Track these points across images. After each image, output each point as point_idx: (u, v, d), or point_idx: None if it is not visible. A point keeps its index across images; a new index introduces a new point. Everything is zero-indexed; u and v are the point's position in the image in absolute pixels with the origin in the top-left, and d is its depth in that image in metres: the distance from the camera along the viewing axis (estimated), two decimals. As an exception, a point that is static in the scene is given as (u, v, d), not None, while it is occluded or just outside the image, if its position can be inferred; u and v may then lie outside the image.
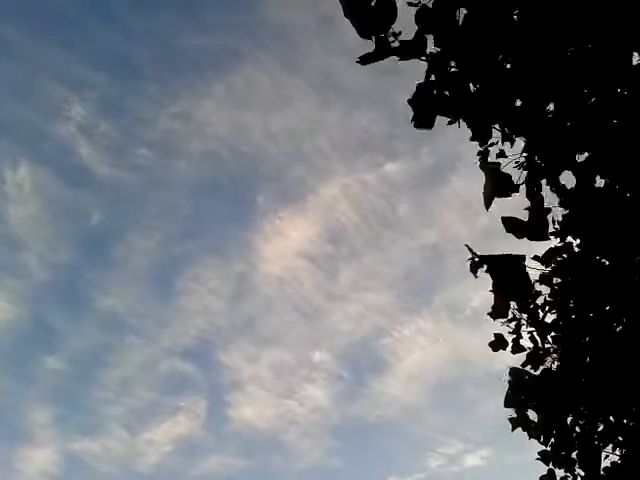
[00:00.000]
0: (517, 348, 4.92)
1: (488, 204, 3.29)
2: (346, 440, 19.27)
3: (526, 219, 3.31)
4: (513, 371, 3.69)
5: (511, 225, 3.24)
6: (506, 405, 3.59)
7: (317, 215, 18.26)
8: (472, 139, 3.37)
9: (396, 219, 17.56)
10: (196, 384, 18.56)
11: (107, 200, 18.07)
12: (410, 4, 3.16)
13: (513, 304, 4.66)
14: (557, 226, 3.52)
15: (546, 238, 3.44)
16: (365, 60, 3.31)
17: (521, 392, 3.78)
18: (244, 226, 19.80)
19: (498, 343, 4.99)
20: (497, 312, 4.15)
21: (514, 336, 5.01)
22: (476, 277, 3.16)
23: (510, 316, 5.38)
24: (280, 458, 18.80)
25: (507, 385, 3.92)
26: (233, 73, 17.52)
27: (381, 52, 3.29)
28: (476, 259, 3.12)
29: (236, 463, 18.23)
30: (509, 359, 4.77)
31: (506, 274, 3.05)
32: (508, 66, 3.15)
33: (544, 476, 4.90)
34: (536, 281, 4.23)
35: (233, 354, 19.09)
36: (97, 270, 18.52)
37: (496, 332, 5.00)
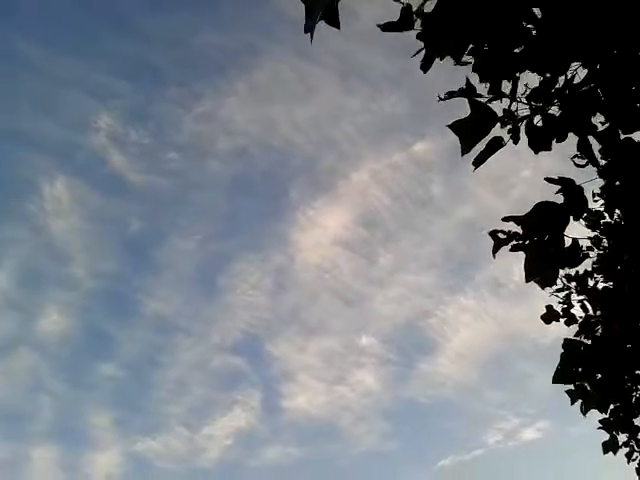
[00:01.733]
0: (569, 318, 4.80)
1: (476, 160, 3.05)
2: (401, 422, 19.31)
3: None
4: (567, 343, 3.53)
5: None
6: (555, 381, 3.41)
7: (350, 202, 18.21)
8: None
9: (429, 198, 17.38)
10: (248, 377, 18.88)
11: (144, 206, 18.43)
12: None
13: (561, 272, 4.47)
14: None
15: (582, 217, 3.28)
16: (386, 28, 3.23)
17: (575, 364, 3.62)
18: (279, 219, 19.89)
19: (550, 315, 4.84)
20: (545, 281, 3.93)
21: (565, 306, 4.89)
22: (494, 257, 2.98)
23: (559, 285, 5.23)
24: (336, 444, 18.98)
25: (559, 358, 3.78)
26: (254, 68, 17.55)
27: (405, 23, 3.21)
28: (500, 235, 2.94)
29: (293, 452, 18.49)
30: (559, 330, 4.67)
31: (547, 240, 2.88)
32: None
33: (606, 442, 4.84)
34: (584, 252, 4.05)
35: (281, 345, 19.30)
36: (142, 275, 18.93)
37: (547, 304, 4.87)
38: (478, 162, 3.20)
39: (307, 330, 19.55)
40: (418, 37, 3.27)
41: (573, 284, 5.16)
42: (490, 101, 3.35)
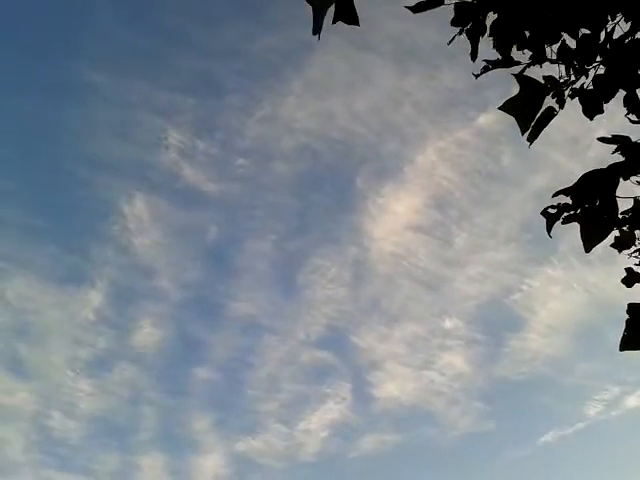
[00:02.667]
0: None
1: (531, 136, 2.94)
2: (496, 402, 18.85)
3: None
4: (632, 308, 3.34)
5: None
6: (622, 348, 3.23)
7: (418, 185, 17.91)
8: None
9: (501, 171, 16.79)
10: (337, 370, 19.04)
11: (219, 213, 18.98)
12: None
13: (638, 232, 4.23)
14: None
15: None
16: (417, 9, 3.17)
17: None
18: (350, 211, 19.87)
19: (631, 277, 4.60)
20: (621, 243, 3.76)
21: (645, 267, 4.64)
22: (550, 236, 2.86)
23: (637, 246, 4.99)
24: (432, 429, 18.81)
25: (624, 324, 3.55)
26: (308, 65, 17.60)
27: (434, 0, 3.14)
28: (550, 210, 2.81)
29: (390, 439, 18.48)
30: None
31: (598, 206, 2.73)
32: None
33: None
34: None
35: (365, 336, 19.32)
36: (224, 280, 19.52)
37: (626, 267, 4.64)
38: (532, 137, 3.10)
39: (389, 318, 19.49)
40: (453, 23, 3.19)
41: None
42: (528, 67, 3.23)
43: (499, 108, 3.14)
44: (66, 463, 17.33)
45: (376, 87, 17.57)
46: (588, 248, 2.92)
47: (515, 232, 17.95)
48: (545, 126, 3.13)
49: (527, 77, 3.10)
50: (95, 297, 17.72)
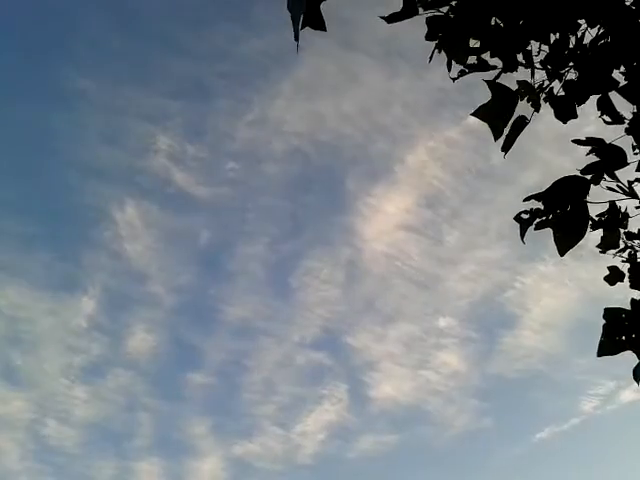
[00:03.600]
0: (636, 278, 4.58)
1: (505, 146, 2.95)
2: (491, 399, 18.87)
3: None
4: (609, 312, 3.37)
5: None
6: (600, 353, 3.25)
7: (409, 184, 17.92)
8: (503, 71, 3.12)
9: (491, 169, 16.80)
10: (332, 371, 19.03)
11: (210, 218, 18.94)
12: None
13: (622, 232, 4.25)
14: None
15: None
16: (391, 19, 3.19)
17: (618, 333, 3.43)
18: (341, 212, 19.90)
19: (614, 276, 4.63)
20: (606, 244, 3.81)
21: (629, 265, 4.67)
22: (523, 242, 2.87)
23: (621, 246, 5.01)
24: (429, 428, 18.82)
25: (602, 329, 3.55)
26: (296, 67, 17.58)
27: (408, 10, 3.16)
28: (523, 215, 2.84)
29: (388, 440, 18.49)
30: None
31: (570, 211, 2.75)
32: None
33: None
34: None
35: (360, 336, 19.32)
36: (217, 284, 19.49)
37: (610, 265, 4.68)
38: (507, 146, 3.12)
39: (384, 318, 19.51)
40: (427, 38, 3.22)
41: (637, 242, 4.93)
42: (503, 72, 3.26)
43: (472, 114, 3.17)
44: (62, 471, 17.28)
45: (365, 88, 17.59)
46: (562, 252, 2.94)
47: (506, 229, 17.96)
48: (518, 134, 3.15)
49: (499, 84, 3.13)
50: (88, 304, 17.69)
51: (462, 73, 3.37)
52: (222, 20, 17.30)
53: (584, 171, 2.99)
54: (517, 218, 2.83)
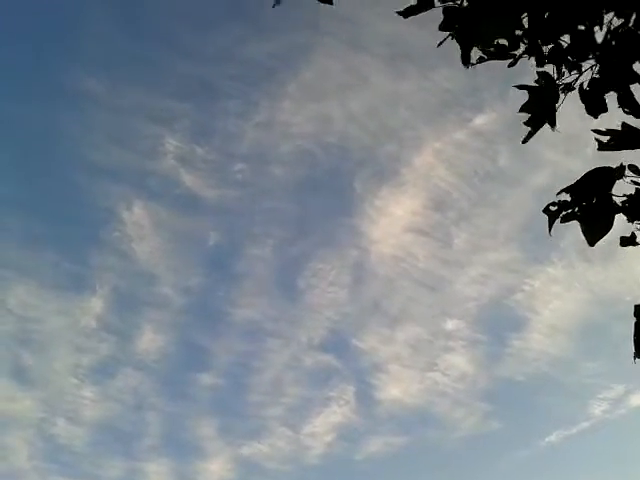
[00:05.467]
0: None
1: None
2: (500, 403, 18.76)
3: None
4: (638, 309, 3.28)
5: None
6: (637, 355, 3.12)
7: (417, 187, 17.86)
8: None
9: (499, 171, 16.74)
10: (340, 373, 18.98)
11: (218, 219, 18.92)
12: None
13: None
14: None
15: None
16: (408, 13, 3.18)
17: None
18: (349, 214, 19.82)
19: (628, 240, 4.46)
20: (625, 240, 3.67)
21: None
22: (550, 234, 2.85)
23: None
24: (437, 430, 18.72)
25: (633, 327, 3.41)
26: (304, 68, 17.61)
27: (425, 3, 3.15)
28: (552, 208, 2.81)
29: (395, 441, 18.41)
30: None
31: (595, 203, 2.73)
32: None
33: None
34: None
35: (367, 338, 19.26)
36: (226, 286, 19.47)
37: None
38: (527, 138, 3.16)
39: (391, 320, 19.43)
40: (441, 28, 3.20)
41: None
42: (520, 57, 3.25)
43: (520, 111, 3.20)
44: (71, 470, 17.26)
45: (372, 89, 17.55)
46: (592, 243, 2.88)
47: (515, 232, 17.92)
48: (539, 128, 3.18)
49: (545, 72, 3.14)
50: (97, 304, 17.70)
51: (481, 60, 3.35)
52: (230, 22, 17.37)
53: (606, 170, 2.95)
54: (546, 210, 2.81)
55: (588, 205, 2.75)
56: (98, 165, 17.73)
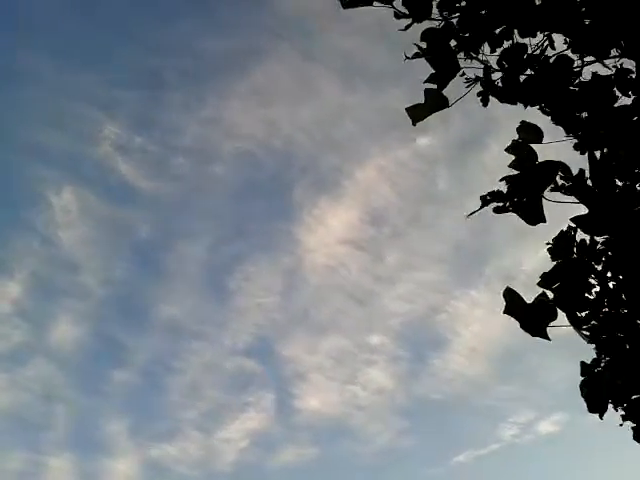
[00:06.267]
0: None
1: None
2: (414, 419, 19.16)
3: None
4: (584, 365, 3.22)
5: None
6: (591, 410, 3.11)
7: (356, 200, 18.19)
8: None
9: (437, 193, 17.29)
10: (261, 379, 18.88)
11: (152, 212, 18.55)
12: None
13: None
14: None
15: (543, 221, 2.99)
16: (349, 4, 3.22)
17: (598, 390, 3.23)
18: (286, 221, 19.93)
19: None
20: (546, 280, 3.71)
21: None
22: (467, 217, 2.95)
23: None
24: (351, 443, 18.88)
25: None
26: (256, 70, 17.66)
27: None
28: (488, 197, 2.90)
29: (309, 452, 18.43)
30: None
31: (526, 202, 2.86)
32: None
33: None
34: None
35: (292, 346, 19.30)
36: (152, 281, 19.05)
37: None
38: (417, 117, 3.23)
39: (318, 330, 19.56)
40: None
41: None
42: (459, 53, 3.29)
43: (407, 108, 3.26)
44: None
45: (321, 100, 17.81)
46: (533, 224, 2.97)
47: (446, 254, 18.49)
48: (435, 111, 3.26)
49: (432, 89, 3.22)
50: (13, 289, 16.93)
51: (416, 55, 3.34)
52: (187, 15, 17.19)
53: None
54: (482, 197, 2.93)
55: (519, 202, 2.89)
56: (31, 145, 17.06)
